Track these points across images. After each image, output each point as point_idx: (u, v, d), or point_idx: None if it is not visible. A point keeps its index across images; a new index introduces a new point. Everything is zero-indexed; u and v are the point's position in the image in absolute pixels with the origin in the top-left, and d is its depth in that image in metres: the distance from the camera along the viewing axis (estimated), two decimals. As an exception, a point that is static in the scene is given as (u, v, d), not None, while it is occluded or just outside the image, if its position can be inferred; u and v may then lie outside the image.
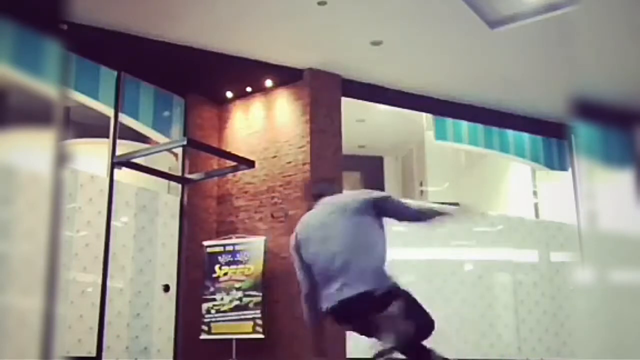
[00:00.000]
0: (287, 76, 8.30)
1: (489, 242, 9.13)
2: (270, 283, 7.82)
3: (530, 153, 9.89)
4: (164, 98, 8.54)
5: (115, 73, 7.83)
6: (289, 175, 8.14)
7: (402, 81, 8.64)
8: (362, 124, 10.00)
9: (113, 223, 7.45)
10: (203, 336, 7.80)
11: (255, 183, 8.43)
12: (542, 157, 9.95)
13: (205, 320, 7.83)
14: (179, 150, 8.54)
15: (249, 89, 8.68)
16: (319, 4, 6.76)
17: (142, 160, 7.91)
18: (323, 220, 3.57)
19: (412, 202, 4.05)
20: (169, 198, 8.39)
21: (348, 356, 7.39)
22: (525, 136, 9.82)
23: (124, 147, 7.90)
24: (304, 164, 8.04)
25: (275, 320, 7.71)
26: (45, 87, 1.02)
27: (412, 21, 7.19)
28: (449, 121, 9.30)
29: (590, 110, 1.17)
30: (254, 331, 7.55)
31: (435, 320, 3.40)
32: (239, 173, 8.38)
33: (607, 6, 1.23)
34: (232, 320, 7.70)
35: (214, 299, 7.85)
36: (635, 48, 1.21)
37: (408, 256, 8.33)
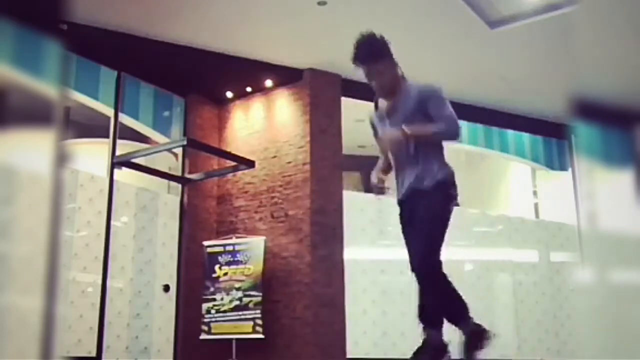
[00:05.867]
0: (287, 76, 8.29)
1: (489, 242, 9.13)
2: (270, 283, 7.82)
3: (530, 153, 9.89)
4: (164, 98, 8.54)
5: (115, 73, 7.83)
6: (289, 175, 8.14)
7: (402, 81, 8.62)
8: (362, 124, 9.95)
9: (113, 223, 7.46)
10: (203, 336, 7.80)
11: (255, 183, 8.43)
12: (542, 157, 9.94)
13: (205, 320, 7.83)
14: (179, 150, 8.54)
15: (249, 89, 8.67)
16: (319, 4, 6.76)
17: (142, 160, 7.92)
18: None
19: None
20: (169, 198, 8.39)
21: (348, 356, 7.39)
22: (525, 136, 9.82)
23: (124, 147, 7.91)
24: (304, 164, 8.04)
25: (275, 320, 7.71)
26: (45, 87, 1.01)
27: (411, 21, 7.19)
28: (449, 121, 9.28)
29: (590, 110, 1.17)
30: (254, 331, 7.55)
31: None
32: (239, 173, 8.38)
33: (607, 6, 1.23)
34: (232, 320, 7.70)
35: (214, 299, 7.85)
36: (636, 48, 1.21)
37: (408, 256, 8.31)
